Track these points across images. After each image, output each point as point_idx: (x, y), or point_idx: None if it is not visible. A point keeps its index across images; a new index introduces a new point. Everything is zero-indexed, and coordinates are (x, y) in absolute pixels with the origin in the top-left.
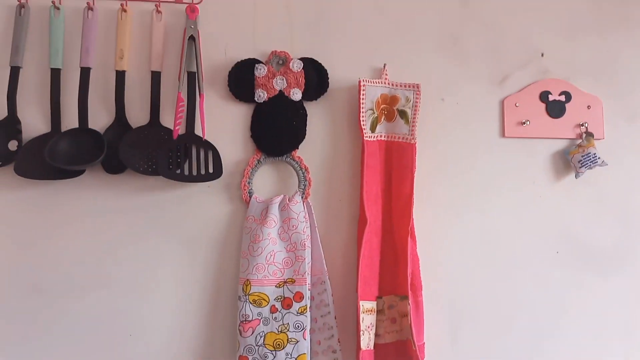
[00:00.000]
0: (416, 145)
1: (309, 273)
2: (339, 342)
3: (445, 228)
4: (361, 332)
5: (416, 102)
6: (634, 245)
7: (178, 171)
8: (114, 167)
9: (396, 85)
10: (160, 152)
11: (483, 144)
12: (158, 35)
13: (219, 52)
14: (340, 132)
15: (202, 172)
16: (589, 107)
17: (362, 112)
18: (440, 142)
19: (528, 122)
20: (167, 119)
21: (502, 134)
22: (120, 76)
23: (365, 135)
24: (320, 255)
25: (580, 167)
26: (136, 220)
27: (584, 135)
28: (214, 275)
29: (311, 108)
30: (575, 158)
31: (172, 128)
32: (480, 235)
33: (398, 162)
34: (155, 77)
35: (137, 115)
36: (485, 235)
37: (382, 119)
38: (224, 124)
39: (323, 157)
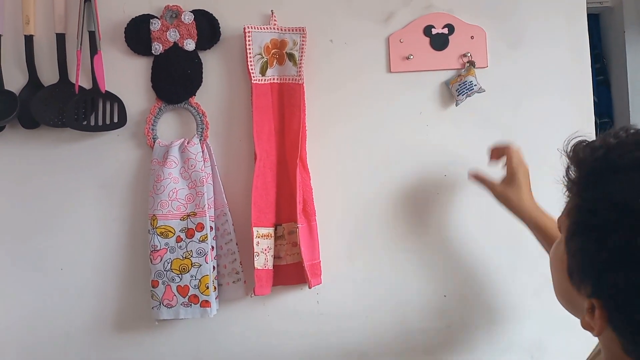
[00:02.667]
0: (304, 84)
1: (211, 206)
2: (240, 264)
3: (339, 160)
4: (255, 254)
5: (302, 44)
6: None
7: (85, 122)
8: (30, 122)
9: (284, 30)
10: (67, 106)
11: (371, 80)
12: None
13: (117, 11)
14: (235, 78)
15: (108, 122)
16: (472, 37)
17: (250, 57)
18: (332, 82)
19: (412, 57)
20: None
21: (389, 69)
22: (28, 40)
23: (253, 78)
24: (221, 190)
25: (458, 95)
26: (55, 168)
27: (466, 64)
28: (129, 213)
29: (206, 57)
30: (453, 87)
31: (83, 85)
32: (372, 165)
33: (288, 102)
34: (60, 38)
35: (49, 75)
36: (377, 165)
37: (274, 62)
38: (127, 77)
39: (220, 102)
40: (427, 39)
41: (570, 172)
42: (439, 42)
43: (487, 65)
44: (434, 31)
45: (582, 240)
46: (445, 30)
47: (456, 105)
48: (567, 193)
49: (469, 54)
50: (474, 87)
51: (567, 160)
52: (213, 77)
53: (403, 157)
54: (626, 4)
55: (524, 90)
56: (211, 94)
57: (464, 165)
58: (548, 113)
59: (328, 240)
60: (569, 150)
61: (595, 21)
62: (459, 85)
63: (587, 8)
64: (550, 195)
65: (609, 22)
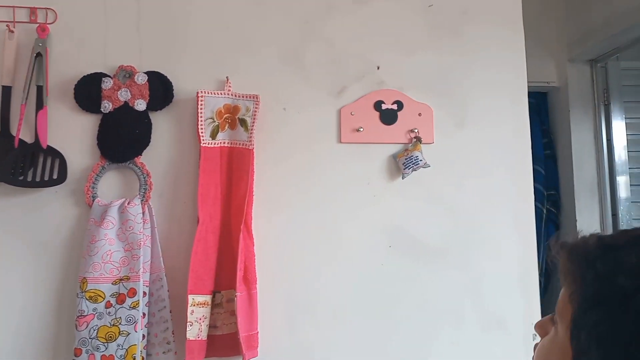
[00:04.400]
0: (254, 150)
1: (146, 270)
2: (172, 334)
3: (285, 227)
4: (189, 323)
5: (255, 111)
6: (462, 240)
7: (21, 177)
8: None
9: (237, 96)
10: (4, 160)
11: (322, 149)
12: (10, 52)
13: (70, 68)
14: (185, 140)
15: (46, 178)
16: (420, 114)
17: (201, 121)
18: (282, 149)
19: (362, 129)
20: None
21: (339, 140)
22: None
23: (202, 142)
24: (159, 254)
25: (404, 169)
26: None
27: (413, 140)
28: (59, 276)
29: (157, 117)
30: (400, 160)
31: (26, 139)
32: (318, 233)
33: (237, 166)
34: (6, 91)
35: None
36: (323, 233)
37: (226, 126)
38: (72, 134)
39: (168, 163)
40: (377, 114)
41: (564, 264)
42: (388, 117)
43: (433, 141)
44: (383, 106)
45: (600, 310)
46: (395, 106)
47: (402, 178)
48: (565, 286)
49: (416, 130)
50: (419, 162)
51: (559, 254)
52: (162, 138)
53: (350, 226)
54: (571, 85)
55: (468, 166)
56: (159, 154)
57: (408, 236)
58: (491, 189)
59: (268, 310)
60: (557, 246)
61: (543, 99)
62: (406, 159)
63: (536, 87)
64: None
65: (556, 100)
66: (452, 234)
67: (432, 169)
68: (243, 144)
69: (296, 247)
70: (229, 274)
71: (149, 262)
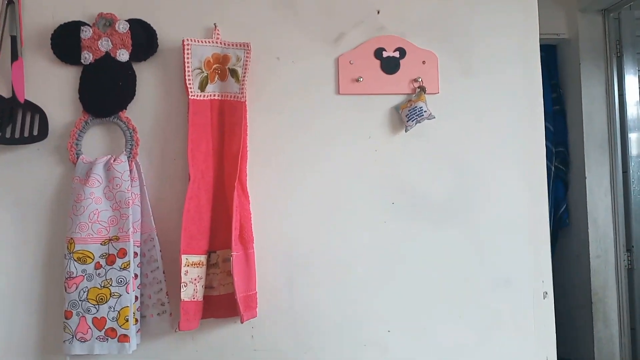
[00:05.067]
0: (246, 103)
1: (136, 230)
2: (167, 295)
3: (281, 183)
4: (183, 284)
5: (246, 60)
6: (467, 196)
7: (0, 134)
8: None
9: (227, 45)
10: None
11: (319, 102)
12: None
13: (45, 16)
14: (172, 92)
15: (26, 134)
16: (424, 62)
17: (188, 71)
18: (277, 101)
19: (361, 79)
20: None
21: (338, 91)
22: None
23: (191, 94)
24: (149, 213)
25: (408, 121)
26: None
27: (417, 90)
28: (46, 236)
29: (141, 69)
30: (403, 112)
31: (3, 94)
32: (317, 189)
33: (229, 120)
34: None
35: None
36: (322, 190)
37: (216, 78)
38: (52, 87)
39: (154, 117)
40: (378, 62)
41: None
42: (390, 65)
43: (438, 91)
44: (384, 54)
45: None
46: (397, 54)
47: (405, 131)
48: None
49: (420, 79)
50: (423, 113)
51: None
52: (147, 91)
53: (350, 183)
54: (582, 37)
55: (476, 117)
56: (144, 108)
57: (412, 193)
58: (499, 141)
59: (266, 270)
60: None
61: (552, 52)
62: (409, 110)
63: (545, 39)
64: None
65: (566, 53)
66: (458, 190)
67: (437, 120)
68: (234, 96)
69: (294, 204)
70: (224, 234)
71: (139, 221)
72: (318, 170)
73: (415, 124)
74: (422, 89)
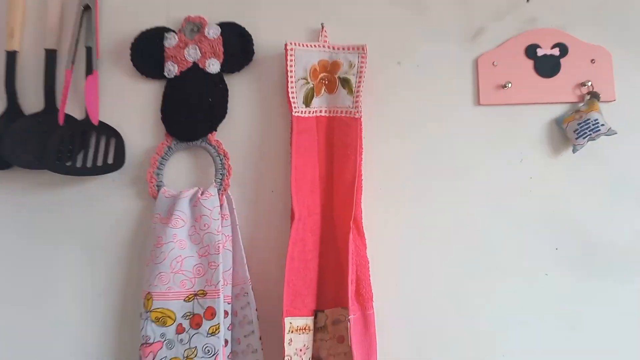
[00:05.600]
0: (362, 119)
1: (228, 283)
2: None
3: (405, 225)
4: (287, 358)
5: (361, 67)
6: None
7: (69, 163)
8: (1, 161)
9: (337, 49)
10: (48, 141)
11: (452, 115)
12: (54, 7)
13: (125, 23)
14: (270, 109)
15: (100, 163)
16: (592, 61)
17: (291, 82)
18: (399, 117)
19: (510, 85)
20: (70, 104)
21: (477, 102)
22: (10, 57)
23: (294, 110)
24: (242, 260)
25: (577, 138)
26: (29, 222)
27: (586, 97)
28: (119, 286)
29: (233, 81)
30: (570, 127)
31: (74, 114)
32: (452, 231)
33: (340, 142)
34: (50, 55)
35: (32, 101)
36: (459, 230)
37: (323, 90)
38: (131, 106)
39: (249, 140)
40: (531, 62)
41: None
42: (548, 66)
43: (614, 99)
44: (539, 52)
45: None
46: (556, 51)
47: (573, 152)
48: None
49: (589, 83)
50: (600, 127)
51: None
52: (241, 108)
53: (497, 222)
54: None
55: None
56: (237, 129)
57: (583, 236)
58: None
59: (388, 337)
60: None
61: None
62: (579, 125)
63: None
64: None
65: None
66: None
67: (617, 137)
68: (347, 112)
69: (423, 252)
70: (333, 288)
71: (230, 271)
72: (453, 206)
73: (588, 141)
74: (595, 95)
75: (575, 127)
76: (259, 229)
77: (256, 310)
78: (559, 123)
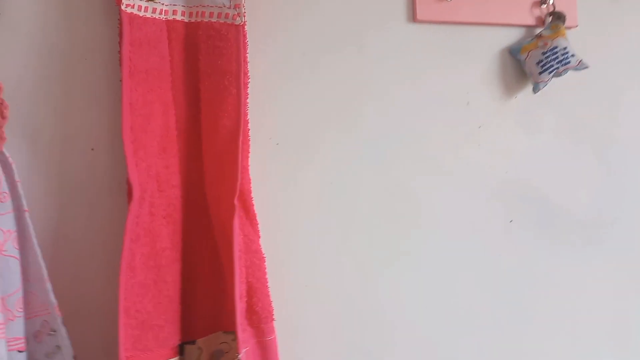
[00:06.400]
0: (245, 29)
1: (16, 316)
2: None
3: (312, 196)
4: None
5: None
6: (629, 207)
7: None
8: None
9: None
10: None
11: (381, 36)
12: None
13: None
14: (84, 4)
15: None
16: None
17: None
18: (305, 33)
19: None
20: None
21: (413, 17)
22: None
23: (126, 4)
24: (41, 274)
25: (541, 73)
26: None
27: (548, 19)
28: None
29: None
30: (532, 58)
31: None
32: (381, 198)
33: (211, 65)
34: None
35: None
36: (390, 198)
37: None
38: None
39: (38, 56)
40: None
41: None
42: None
43: (576, 24)
44: None
45: None
46: None
47: (534, 91)
48: None
49: (550, 1)
50: (570, 58)
51: None
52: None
53: (437, 184)
54: None
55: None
56: (14, 33)
57: (541, 201)
58: None
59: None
60: None
61: None
62: (543, 54)
63: None
64: None
65: None
66: (615, 195)
67: (577, 71)
68: (220, 14)
69: (338, 236)
70: (210, 305)
71: (19, 294)
72: (380, 163)
73: (553, 76)
74: (559, 17)
75: (539, 58)
76: (71, 218)
77: (74, 358)
78: (514, 52)
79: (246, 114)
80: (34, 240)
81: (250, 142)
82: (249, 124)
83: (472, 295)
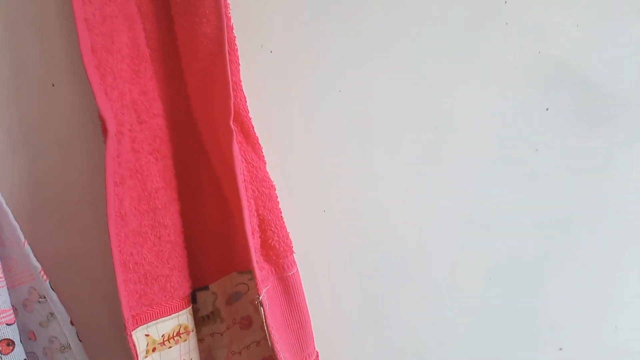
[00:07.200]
0: None
1: None
2: None
3: (321, 109)
4: None
5: None
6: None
7: None
8: None
9: None
10: None
11: None
12: None
13: None
14: None
15: None
16: None
17: None
18: None
19: None
20: None
21: None
22: None
23: None
24: (16, 235)
25: None
26: None
27: None
28: None
29: None
30: None
31: None
32: (398, 104)
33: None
34: None
35: None
36: (408, 100)
37: None
38: None
39: None
40: None
41: None
42: None
43: None
44: None
45: None
46: None
47: None
48: None
49: None
50: None
51: None
52: None
53: (459, 69)
54: None
55: None
56: None
57: (580, 83)
58: None
59: (322, 302)
60: None
61: None
62: None
63: None
64: None
65: None
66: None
67: None
68: None
69: (360, 144)
70: (220, 245)
71: None
72: (394, 63)
73: None
74: None
75: None
76: (43, 168)
77: (72, 324)
78: None
79: (229, 18)
80: (1, 199)
81: (239, 53)
82: (234, 30)
83: (510, 196)
